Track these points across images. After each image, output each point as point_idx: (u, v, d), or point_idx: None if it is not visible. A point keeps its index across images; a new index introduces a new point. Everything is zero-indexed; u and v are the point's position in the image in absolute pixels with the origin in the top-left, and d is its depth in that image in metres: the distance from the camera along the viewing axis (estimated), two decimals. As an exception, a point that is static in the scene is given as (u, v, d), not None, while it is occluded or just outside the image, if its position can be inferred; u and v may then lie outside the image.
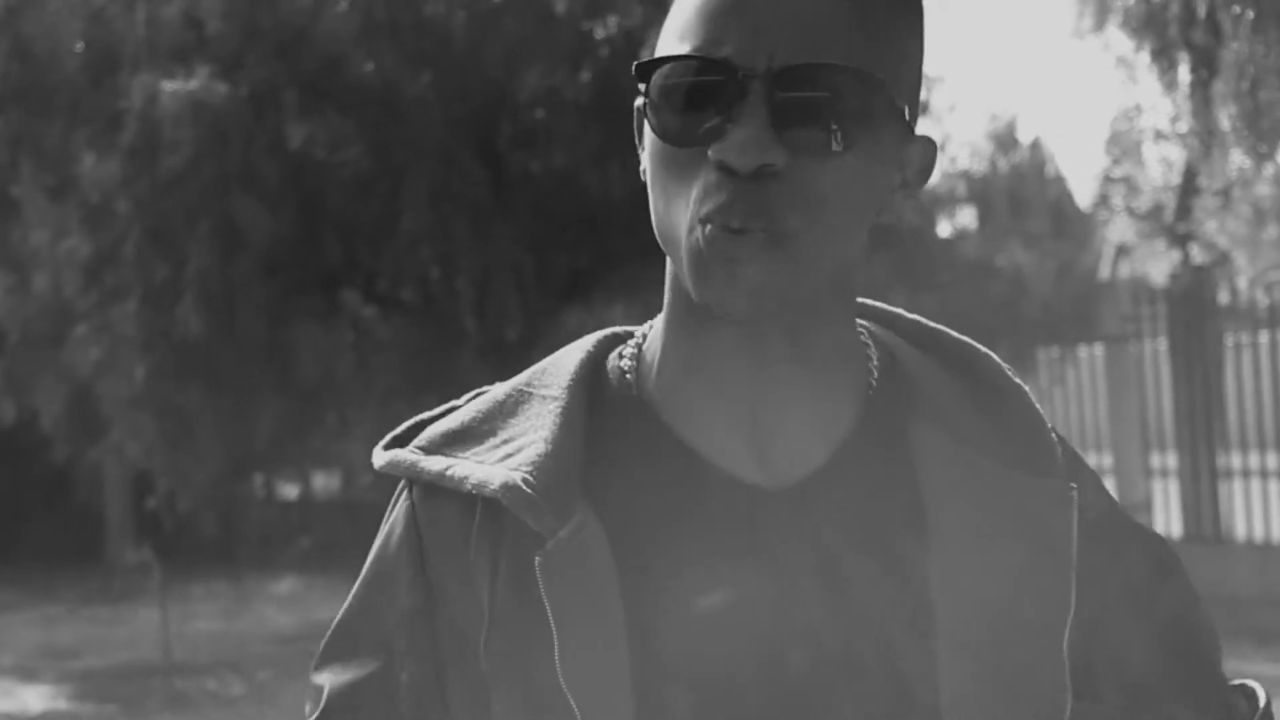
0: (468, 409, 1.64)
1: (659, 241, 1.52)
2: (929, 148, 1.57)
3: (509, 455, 1.55)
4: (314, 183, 15.48)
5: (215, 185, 14.78)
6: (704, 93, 1.43)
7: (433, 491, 1.59)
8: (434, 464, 1.58)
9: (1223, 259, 14.50)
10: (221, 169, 14.74)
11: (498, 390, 1.64)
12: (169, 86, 14.68)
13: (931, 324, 1.66)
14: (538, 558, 1.50)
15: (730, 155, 1.41)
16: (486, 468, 1.54)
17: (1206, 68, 9.37)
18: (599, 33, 15.92)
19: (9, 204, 16.05)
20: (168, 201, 14.81)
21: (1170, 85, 10.10)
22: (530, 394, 1.61)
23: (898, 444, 1.55)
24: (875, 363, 1.60)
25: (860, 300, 1.64)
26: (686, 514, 1.52)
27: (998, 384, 1.60)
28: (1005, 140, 38.72)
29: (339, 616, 1.68)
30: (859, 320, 1.62)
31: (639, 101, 1.52)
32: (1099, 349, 17.12)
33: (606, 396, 1.60)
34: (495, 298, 15.65)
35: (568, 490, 1.52)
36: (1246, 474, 15.33)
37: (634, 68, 1.48)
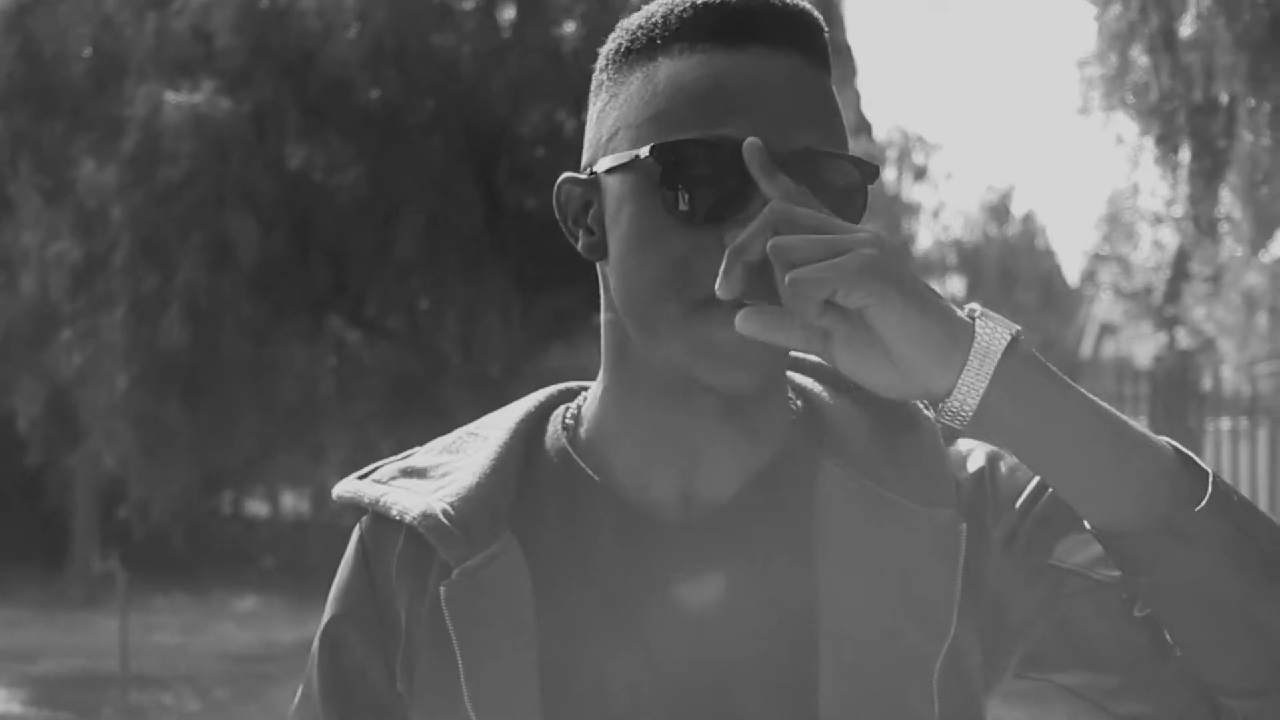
0: (423, 450, 1.72)
1: (628, 317, 1.57)
2: None
3: (441, 488, 1.63)
4: (309, 204, 15.49)
5: (211, 199, 14.79)
6: (717, 175, 1.48)
7: (378, 520, 1.67)
8: (373, 491, 1.67)
9: (1208, 345, 14.55)
10: (219, 184, 14.74)
11: (452, 434, 1.72)
12: (173, 98, 14.69)
13: None
14: (443, 586, 1.56)
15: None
16: (414, 497, 1.63)
17: (1210, 156, 9.42)
18: (604, 74, 15.96)
19: (3, 202, 16.05)
20: (162, 212, 14.81)
21: (1170, 169, 10.15)
22: (475, 436, 1.70)
23: (805, 479, 1.60)
24: (795, 404, 1.67)
25: None
26: (602, 555, 1.58)
27: (909, 418, 1.65)
28: (999, 211, 38.90)
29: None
30: None
31: (575, 175, 1.62)
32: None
33: (545, 447, 1.66)
34: (481, 332, 15.65)
35: (488, 522, 1.59)
36: (1218, 561, 15.36)
37: (650, 149, 1.51)
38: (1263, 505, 15.21)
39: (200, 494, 21.79)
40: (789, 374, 1.69)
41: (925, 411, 1.65)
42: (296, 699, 1.72)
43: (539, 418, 1.70)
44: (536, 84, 15.60)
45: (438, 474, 1.65)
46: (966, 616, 1.57)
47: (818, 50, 1.56)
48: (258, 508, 29.47)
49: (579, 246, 1.63)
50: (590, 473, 1.62)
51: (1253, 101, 8.77)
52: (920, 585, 1.55)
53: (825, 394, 1.68)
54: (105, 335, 15.12)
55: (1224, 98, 9.09)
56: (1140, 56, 9.63)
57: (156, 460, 15.37)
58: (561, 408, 1.71)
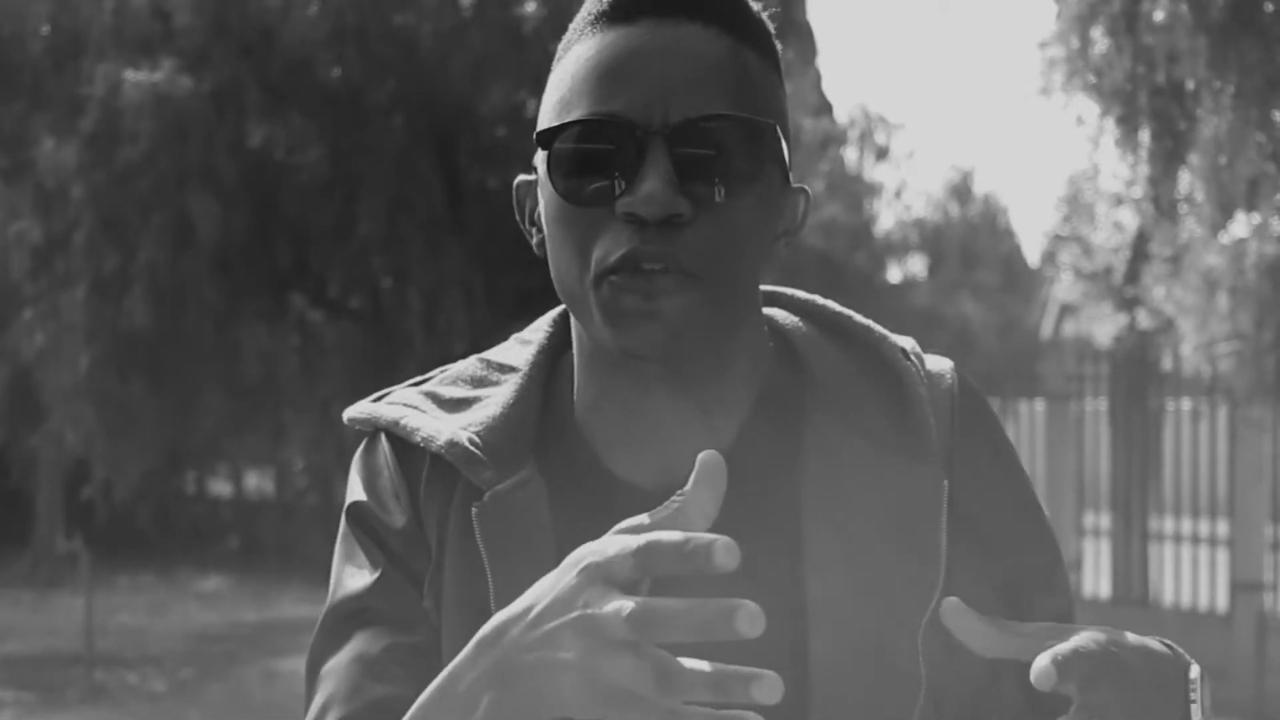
0: (435, 376, 1.74)
1: (563, 301, 1.60)
2: (803, 198, 1.65)
3: (463, 415, 1.65)
4: (271, 184, 15.45)
5: (172, 179, 14.75)
6: (605, 152, 1.51)
7: (397, 441, 1.68)
8: (390, 412, 1.68)
9: (1168, 325, 14.58)
10: (179, 163, 14.70)
11: (464, 361, 1.74)
12: (132, 77, 14.65)
13: (837, 309, 1.72)
14: (474, 507, 1.59)
15: (639, 207, 1.48)
16: (437, 423, 1.65)
17: (1171, 137, 9.44)
18: (566, 54, 15.95)
19: (-38, 182, 15.98)
20: (123, 192, 14.77)
21: (1130, 151, 10.16)
22: (492, 364, 1.71)
23: (789, 435, 1.62)
24: (769, 362, 1.66)
25: (776, 290, 1.74)
26: (591, 507, 1.59)
27: (894, 367, 1.66)
28: (961, 191, 38.96)
29: (338, 551, 1.72)
30: (766, 309, 1.71)
31: (527, 176, 1.65)
32: (1040, 405, 17.20)
33: (558, 390, 1.69)
34: (444, 311, 15.65)
35: (515, 449, 1.62)
36: (1178, 539, 15.40)
37: (534, 136, 1.56)
38: (1221, 486, 15.28)
39: (163, 474, 21.76)
40: (772, 314, 1.70)
41: (908, 360, 1.67)
42: (324, 609, 1.69)
43: (557, 349, 1.72)
44: (497, 63, 15.58)
45: (460, 402, 1.67)
46: (957, 572, 1.59)
47: (724, 15, 1.55)
48: (221, 487, 29.40)
49: (533, 245, 1.65)
50: (580, 432, 1.64)
51: (1217, 84, 8.79)
52: (906, 541, 1.57)
53: (807, 333, 1.69)
54: (67, 315, 15.08)
55: (1187, 81, 9.11)
56: (1101, 38, 9.65)
57: (119, 440, 15.34)
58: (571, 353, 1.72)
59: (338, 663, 1.61)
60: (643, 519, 1.35)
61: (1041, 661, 1.32)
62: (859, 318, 1.71)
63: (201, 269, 15.02)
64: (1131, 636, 1.43)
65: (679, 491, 1.35)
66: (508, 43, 15.64)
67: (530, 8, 16.06)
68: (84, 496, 20.01)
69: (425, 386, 1.71)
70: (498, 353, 1.73)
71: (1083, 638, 1.38)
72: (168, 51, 15.05)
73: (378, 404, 1.71)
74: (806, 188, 1.64)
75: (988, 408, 1.72)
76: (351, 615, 1.64)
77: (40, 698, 14.42)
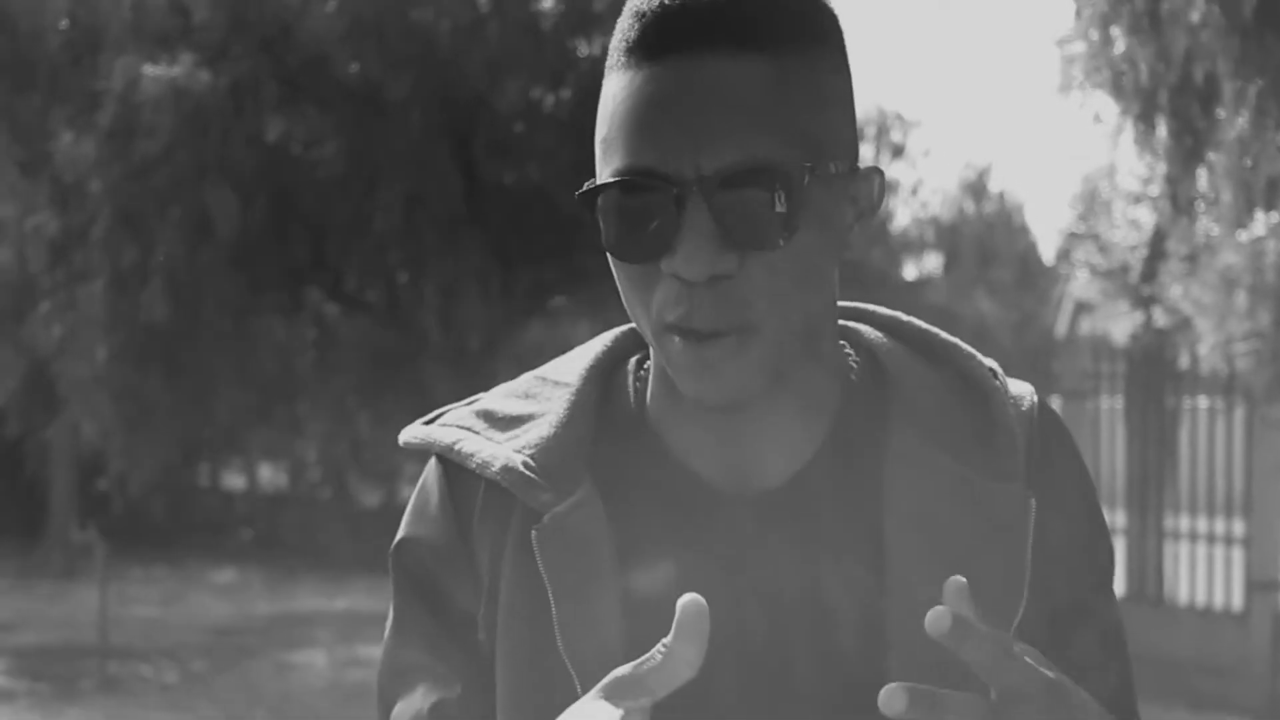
0: (489, 395, 1.72)
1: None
2: (877, 177, 1.60)
3: (517, 436, 1.63)
4: (288, 178, 15.46)
5: (189, 173, 14.75)
6: (645, 209, 1.48)
7: (451, 466, 1.66)
8: (445, 436, 1.66)
9: (1185, 324, 14.56)
10: (197, 157, 14.71)
11: (520, 379, 1.71)
12: (151, 71, 14.65)
13: (922, 326, 1.71)
14: (534, 531, 1.57)
15: (680, 269, 1.46)
16: (493, 446, 1.62)
17: (1191, 135, 9.43)
18: (582, 50, 15.94)
19: (-20, 174, 15.99)
20: (140, 186, 14.78)
21: (1149, 148, 10.16)
22: (546, 380, 1.69)
23: (870, 451, 1.61)
24: (854, 374, 1.65)
25: (861, 306, 1.72)
26: (670, 519, 1.59)
27: (982, 386, 1.65)
28: (977, 189, 38.92)
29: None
30: (850, 323, 1.69)
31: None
32: (1055, 403, 17.20)
33: (617, 400, 1.67)
34: (461, 306, 15.64)
35: (570, 469, 1.60)
36: (1194, 538, 15.39)
37: (576, 197, 1.53)
38: (1237, 484, 15.26)
39: (179, 466, 21.76)
40: (849, 324, 1.69)
41: (996, 380, 1.65)
42: (386, 632, 1.70)
43: (610, 364, 1.70)
44: (515, 59, 15.57)
45: (514, 422, 1.65)
46: (1037, 598, 1.58)
47: (754, 33, 1.49)
48: (235, 480, 29.45)
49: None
50: (657, 437, 1.63)
51: (1239, 83, 8.77)
52: (989, 563, 1.55)
53: (893, 349, 1.68)
54: (84, 308, 15.09)
55: (1209, 79, 9.09)
56: (1122, 36, 9.63)
57: (136, 432, 15.36)
58: (634, 359, 1.71)
59: None
60: (627, 669, 1.38)
61: (945, 619, 1.34)
62: (945, 335, 1.70)
63: (219, 263, 15.03)
64: (1079, 691, 1.45)
65: (663, 642, 1.37)
66: (525, 38, 15.63)
67: (548, 4, 16.06)
68: (99, 488, 20.07)
69: (479, 405, 1.69)
70: (551, 368, 1.71)
71: (1035, 659, 1.39)
72: (186, 46, 15.05)
73: (431, 427, 1.69)
74: (879, 167, 1.59)
75: (1068, 434, 1.69)
76: (398, 673, 1.64)
77: (54, 689, 14.46)
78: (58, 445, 22.19)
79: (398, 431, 1.72)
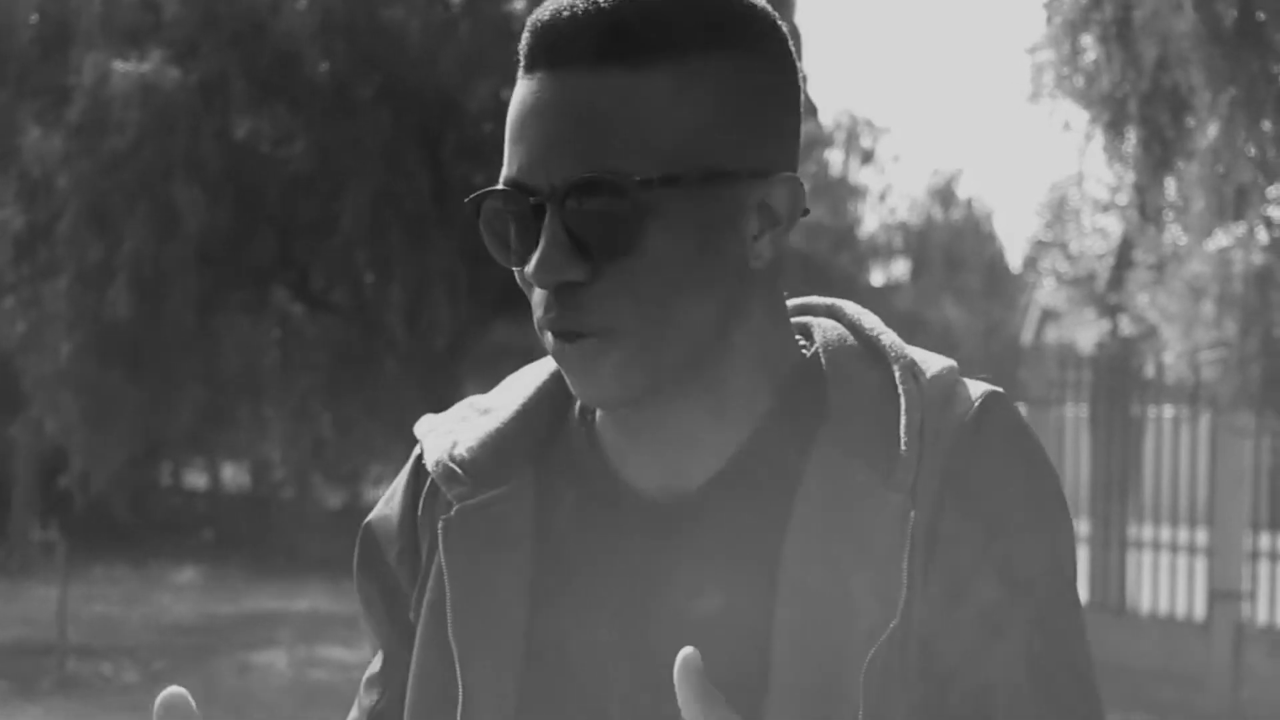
0: (499, 386, 1.76)
1: None
2: (792, 186, 1.59)
3: (480, 424, 1.68)
4: (256, 176, 15.43)
5: (157, 169, 14.72)
6: (511, 219, 1.55)
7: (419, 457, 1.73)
8: (423, 429, 1.72)
9: (1151, 332, 14.60)
10: (165, 154, 14.68)
11: (522, 370, 1.76)
12: (120, 67, 14.62)
13: (869, 326, 1.67)
14: (440, 520, 1.63)
15: (531, 276, 1.53)
16: (444, 438, 1.68)
17: (1160, 144, 9.46)
18: (553, 50, 15.92)
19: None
20: (108, 181, 14.73)
21: (1118, 157, 10.18)
22: (528, 371, 1.74)
23: (793, 455, 1.60)
24: (794, 374, 1.64)
25: (831, 302, 1.71)
26: (589, 514, 1.63)
27: (898, 390, 1.60)
28: (946, 195, 39.02)
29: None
30: (820, 320, 1.68)
31: None
32: (1020, 410, 17.24)
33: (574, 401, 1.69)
34: (427, 306, 15.62)
35: (500, 463, 1.65)
36: (1157, 547, 15.44)
37: (465, 205, 1.59)
38: (1201, 494, 15.32)
39: (141, 465, 21.71)
40: (819, 321, 1.68)
41: (907, 385, 1.60)
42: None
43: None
44: (485, 58, 15.57)
45: (487, 412, 1.70)
46: (939, 612, 1.55)
47: (609, 51, 1.50)
48: (197, 479, 29.40)
49: None
50: (598, 438, 1.65)
51: (1207, 95, 8.79)
52: (869, 573, 1.54)
53: (840, 350, 1.65)
54: (49, 304, 15.04)
55: (1180, 89, 9.12)
56: (1093, 45, 9.65)
57: (98, 430, 15.30)
58: None
59: None
60: None
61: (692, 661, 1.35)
62: (889, 337, 1.66)
63: (184, 260, 14.99)
64: None
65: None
66: (496, 38, 15.64)
67: (519, 4, 16.05)
68: (60, 486, 19.97)
69: (482, 396, 1.75)
70: (533, 365, 1.75)
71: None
72: (156, 42, 15.02)
73: (426, 417, 1.74)
74: (794, 175, 1.58)
75: (1015, 441, 1.62)
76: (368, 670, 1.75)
77: (13, 687, 14.40)
78: (20, 442, 22.09)
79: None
